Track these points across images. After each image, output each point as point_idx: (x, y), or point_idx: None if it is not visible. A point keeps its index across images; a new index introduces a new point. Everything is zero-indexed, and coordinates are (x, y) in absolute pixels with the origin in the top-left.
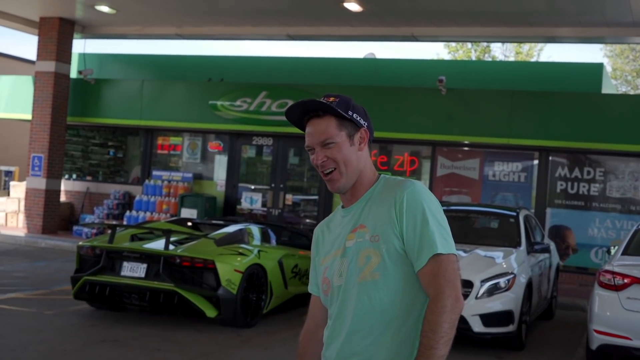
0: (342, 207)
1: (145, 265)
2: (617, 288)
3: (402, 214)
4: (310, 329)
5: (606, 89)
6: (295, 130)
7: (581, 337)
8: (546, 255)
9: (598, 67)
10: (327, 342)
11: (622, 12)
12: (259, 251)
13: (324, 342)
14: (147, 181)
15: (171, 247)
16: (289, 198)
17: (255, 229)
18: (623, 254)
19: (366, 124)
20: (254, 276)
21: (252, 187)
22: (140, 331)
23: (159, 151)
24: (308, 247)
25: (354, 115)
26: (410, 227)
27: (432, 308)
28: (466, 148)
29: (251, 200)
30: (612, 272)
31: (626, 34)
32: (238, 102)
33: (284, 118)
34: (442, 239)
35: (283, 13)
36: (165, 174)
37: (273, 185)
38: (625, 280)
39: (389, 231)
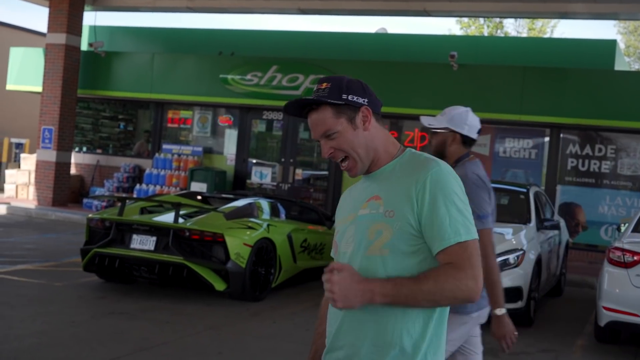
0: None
1: (154, 238)
2: (626, 265)
3: (423, 194)
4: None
5: (619, 66)
6: None
7: (589, 314)
8: (556, 232)
9: (611, 44)
10: (330, 312)
11: None
12: (268, 225)
13: (329, 309)
14: (157, 154)
15: (180, 220)
16: (299, 173)
17: (264, 203)
18: (633, 231)
19: (366, 100)
20: (263, 250)
21: (259, 161)
22: (149, 304)
23: (169, 125)
24: (317, 222)
25: (350, 97)
26: (430, 209)
27: (448, 270)
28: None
29: (261, 174)
30: (622, 249)
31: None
32: (249, 76)
33: (294, 92)
34: (465, 225)
35: None
36: (175, 148)
37: (283, 159)
38: (635, 258)
39: (406, 209)
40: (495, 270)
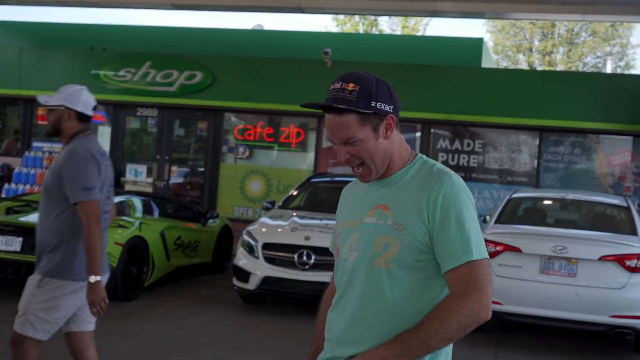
0: None
1: (20, 239)
2: (489, 255)
3: (435, 210)
4: (333, 291)
5: (486, 63)
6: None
7: None
8: None
9: (478, 42)
10: (330, 318)
11: None
12: (140, 223)
13: (328, 314)
14: (27, 153)
15: None
16: (175, 170)
17: (137, 201)
18: (496, 222)
19: (392, 107)
20: (135, 249)
21: (134, 159)
22: (16, 307)
23: (40, 122)
24: (192, 220)
25: (378, 105)
26: (442, 226)
27: (451, 302)
28: None
29: (135, 172)
30: (485, 240)
31: (505, 10)
32: (122, 72)
33: (169, 89)
34: (477, 244)
35: None
36: (46, 146)
37: (158, 157)
38: (498, 248)
39: (416, 224)
40: (96, 238)
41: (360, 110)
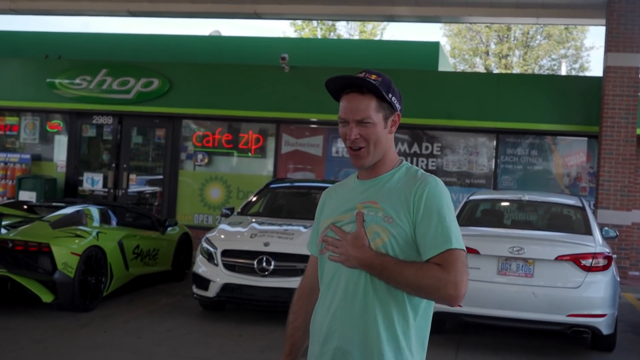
0: (358, 177)
1: None
2: None
3: (419, 205)
4: (306, 289)
5: (443, 67)
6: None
7: None
8: None
9: (434, 46)
10: (318, 306)
11: None
12: (97, 233)
13: (316, 305)
14: None
15: (3, 231)
16: (133, 178)
17: (94, 210)
18: None
19: (400, 108)
20: (93, 258)
21: (90, 167)
22: None
23: None
24: (151, 228)
25: (393, 99)
26: (425, 219)
27: (434, 268)
28: (314, 125)
29: (92, 181)
30: None
31: (460, 14)
32: (77, 80)
33: (125, 96)
34: (456, 236)
35: None
36: (0, 156)
37: (115, 165)
38: None
39: (403, 217)
40: None
41: (382, 92)
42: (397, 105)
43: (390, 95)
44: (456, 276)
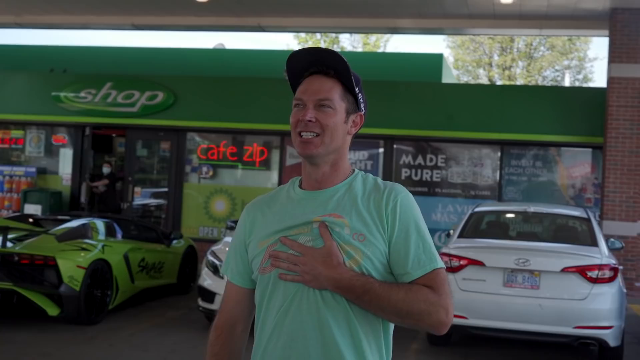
0: (300, 187)
1: None
2: (453, 270)
3: (394, 219)
4: (226, 326)
5: (447, 79)
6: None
7: None
8: None
9: (438, 58)
10: (269, 340)
11: (459, 4)
12: (103, 246)
13: (258, 338)
14: None
15: (9, 244)
16: (138, 191)
17: (99, 223)
18: (459, 236)
19: (365, 112)
20: (98, 272)
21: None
22: None
23: (0, 145)
24: (156, 241)
25: (360, 96)
26: (402, 235)
27: (425, 292)
28: None
29: None
30: (449, 255)
31: (463, 25)
32: (82, 94)
33: (130, 109)
34: (436, 254)
35: (127, 2)
36: (6, 169)
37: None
38: (461, 262)
39: (376, 234)
40: None
41: (348, 80)
42: (362, 106)
43: (357, 91)
44: (446, 299)
